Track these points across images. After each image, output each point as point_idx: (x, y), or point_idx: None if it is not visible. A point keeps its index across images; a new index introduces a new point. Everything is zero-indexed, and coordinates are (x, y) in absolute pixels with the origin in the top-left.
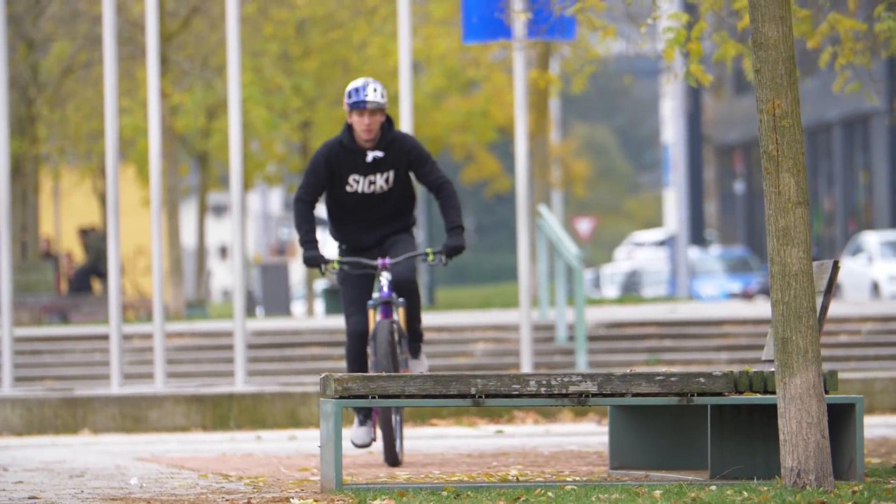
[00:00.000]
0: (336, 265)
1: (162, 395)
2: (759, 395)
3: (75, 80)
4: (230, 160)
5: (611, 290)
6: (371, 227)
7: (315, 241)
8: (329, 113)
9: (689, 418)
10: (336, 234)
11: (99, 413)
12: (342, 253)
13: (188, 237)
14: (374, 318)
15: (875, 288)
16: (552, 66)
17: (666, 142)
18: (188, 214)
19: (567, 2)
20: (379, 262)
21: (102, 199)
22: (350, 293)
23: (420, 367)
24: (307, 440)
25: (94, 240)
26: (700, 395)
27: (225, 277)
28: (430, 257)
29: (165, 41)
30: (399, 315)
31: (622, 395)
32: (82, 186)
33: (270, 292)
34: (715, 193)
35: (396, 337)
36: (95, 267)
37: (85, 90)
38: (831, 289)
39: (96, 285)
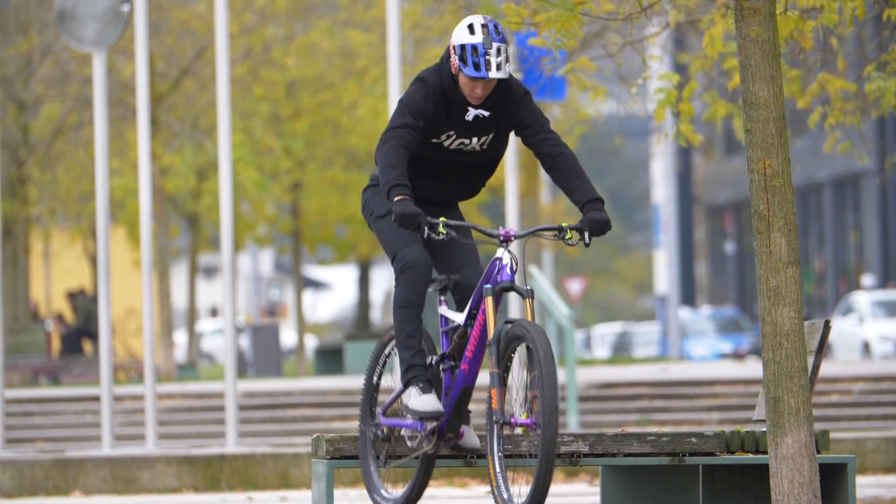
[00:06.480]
0: (443, 230)
1: (153, 456)
2: (750, 455)
3: (66, 141)
4: (221, 221)
5: (602, 351)
6: (440, 183)
7: (409, 188)
8: (319, 174)
9: (681, 478)
10: None
11: (90, 474)
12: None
13: (179, 298)
14: (491, 310)
15: (866, 348)
16: None
17: (656, 202)
18: (179, 276)
19: (558, 62)
20: (500, 231)
21: (93, 261)
22: (402, 230)
23: (472, 437)
24: (298, 501)
25: (83, 302)
26: (692, 454)
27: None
28: (569, 235)
29: (156, 102)
30: (527, 311)
31: (614, 455)
32: (73, 248)
33: (261, 353)
34: (705, 253)
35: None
36: (86, 328)
37: (75, 151)
38: (823, 348)
39: (87, 347)
